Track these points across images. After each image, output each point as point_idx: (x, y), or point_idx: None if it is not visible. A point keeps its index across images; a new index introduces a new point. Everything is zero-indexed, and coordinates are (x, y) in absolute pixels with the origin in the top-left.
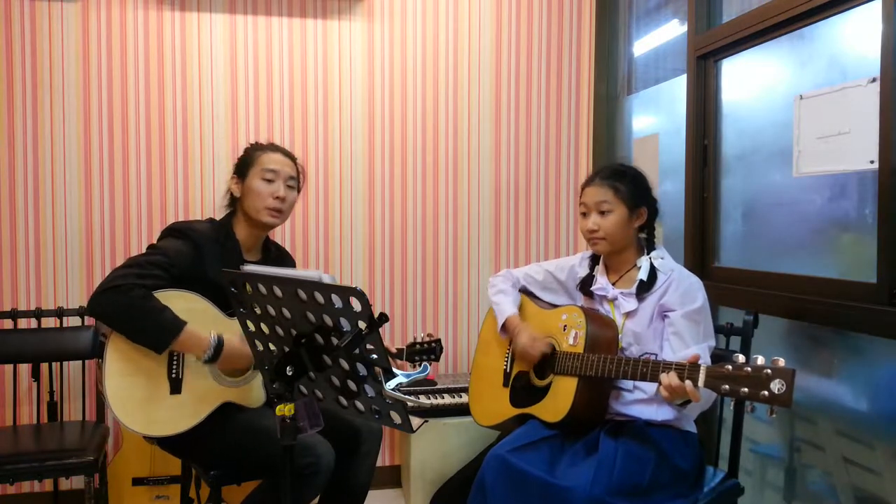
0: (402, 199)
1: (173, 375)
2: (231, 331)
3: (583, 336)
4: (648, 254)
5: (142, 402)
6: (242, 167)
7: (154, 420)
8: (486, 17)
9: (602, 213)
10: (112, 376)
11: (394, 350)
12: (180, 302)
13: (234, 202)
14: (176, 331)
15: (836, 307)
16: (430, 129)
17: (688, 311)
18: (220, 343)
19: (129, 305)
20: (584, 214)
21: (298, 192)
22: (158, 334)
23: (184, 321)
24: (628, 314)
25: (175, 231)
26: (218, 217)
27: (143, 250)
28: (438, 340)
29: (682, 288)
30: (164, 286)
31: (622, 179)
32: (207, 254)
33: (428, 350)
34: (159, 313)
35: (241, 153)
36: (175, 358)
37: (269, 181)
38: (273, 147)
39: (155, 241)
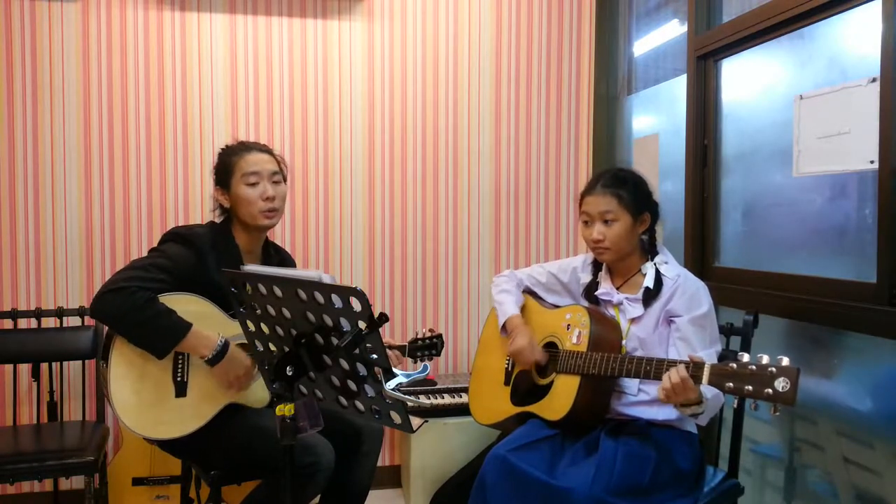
0: (402, 199)
1: (178, 378)
2: (237, 335)
3: (586, 335)
4: (652, 258)
5: (147, 405)
6: (223, 176)
7: (159, 423)
8: (486, 17)
9: (606, 222)
10: (117, 379)
11: (395, 344)
12: (185, 305)
13: (226, 210)
14: (180, 334)
15: (836, 307)
16: (430, 129)
17: (694, 316)
18: (225, 346)
19: (132, 308)
20: (587, 223)
21: (285, 182)
22: (162, 338)
23: (189, 323)
24: (633, 320)
25: (177, 236)
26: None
27: (143, 250)
28: (440, 335)
29: (688, 293)
30: (168, 290)
31: (624, 186)
32: (209, 258)
33: (429, 346)
34: (165, 316)
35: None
36: (180, 361)
37: (254, 184)
38: (245, 147)
39: (156, 245)
